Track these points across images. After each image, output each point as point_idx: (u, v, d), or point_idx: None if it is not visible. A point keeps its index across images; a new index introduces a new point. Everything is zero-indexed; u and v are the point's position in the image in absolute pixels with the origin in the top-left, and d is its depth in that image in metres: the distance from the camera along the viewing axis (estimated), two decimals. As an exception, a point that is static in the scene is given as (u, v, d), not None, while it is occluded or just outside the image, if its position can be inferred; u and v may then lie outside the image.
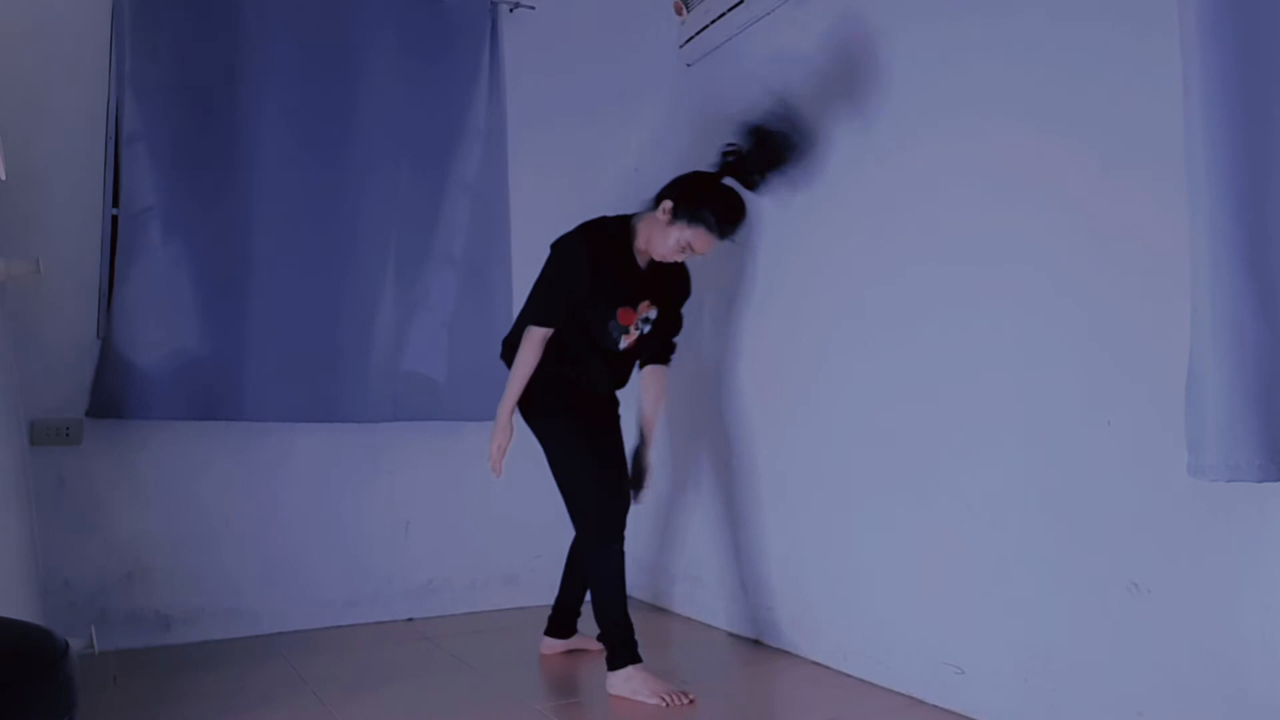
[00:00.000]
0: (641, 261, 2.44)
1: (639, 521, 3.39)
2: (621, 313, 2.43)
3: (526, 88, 3.29)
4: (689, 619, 3.05)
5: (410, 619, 3.02)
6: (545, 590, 3.19)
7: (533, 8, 3.29)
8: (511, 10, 3.26)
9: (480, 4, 3.15)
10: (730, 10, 2.96)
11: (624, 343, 2.46)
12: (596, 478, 2.37)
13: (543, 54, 3.36)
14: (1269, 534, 1.52)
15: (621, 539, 2.34)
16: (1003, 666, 1.98)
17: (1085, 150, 1.86)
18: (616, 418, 2.56)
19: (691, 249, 2.33)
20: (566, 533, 3.18)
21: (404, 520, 3.05)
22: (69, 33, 2.64)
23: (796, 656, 2.59)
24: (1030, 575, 1.93)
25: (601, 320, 2.42)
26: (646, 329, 2.49)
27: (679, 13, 3.29)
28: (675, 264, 2.49)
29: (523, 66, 3.27)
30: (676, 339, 2.62)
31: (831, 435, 2.52)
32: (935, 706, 2.13)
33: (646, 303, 2.46)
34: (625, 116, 3.52)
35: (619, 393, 2.60)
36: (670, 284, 2.52)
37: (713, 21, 3.05)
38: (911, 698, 2.20)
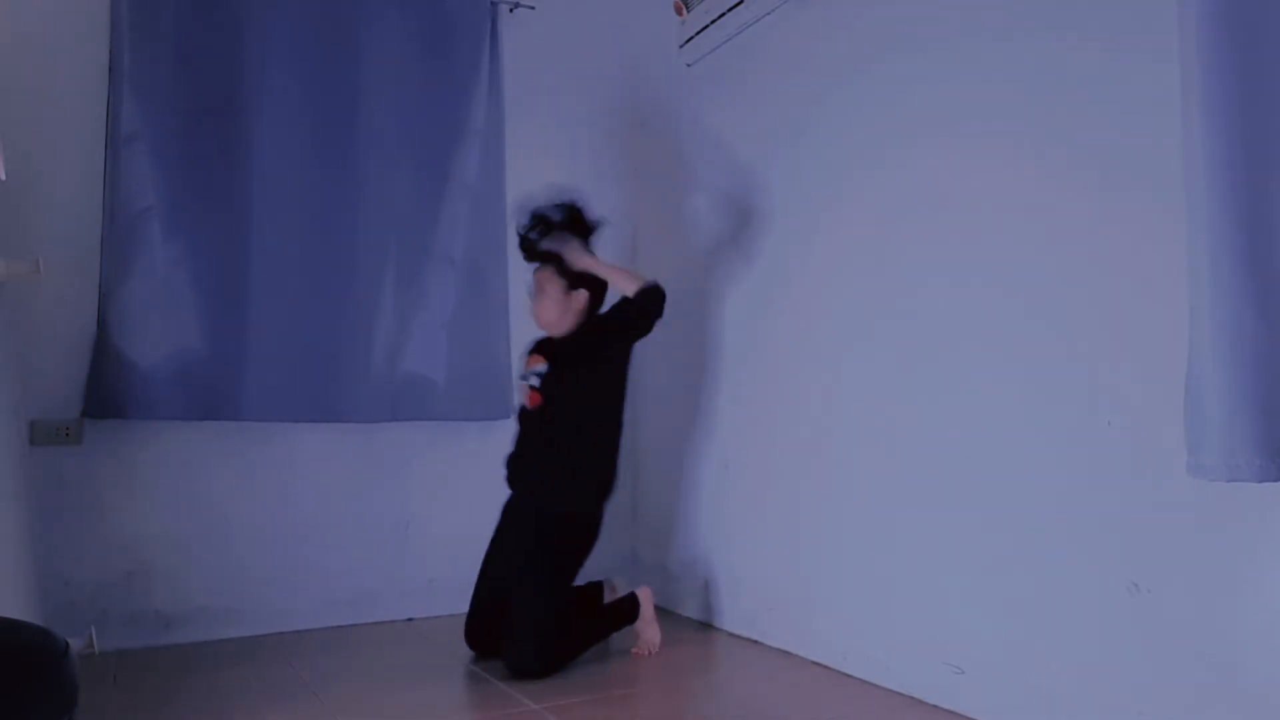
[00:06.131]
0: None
1: (641, 523, 3.40)
2: (530, 358, 2.66)
3: (526, 88, 3.29)
4: (690, 619, 3.05)
5: (410, 619, 3.02)
6: (545, 590, 3.19)
7: (533, 8, 3.29)
8: (511, 10, 3.26)
9: (480, 4, 3.15)
10: (730, 10, 2.95)
11: (520, 397, 2.63)
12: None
13: (543, 54, 3.36)
14: (1269, 534, 1.52)
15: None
16: (1003, 666, 1.98)
17: (1085, 152, 1.86)
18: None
19: (537, 290, 2.60)
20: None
21: (404, 520, 3.05)
22: (69, 33, 2.64)
23: (796, 656, 2.59)
24: (1030, 575, 1.93)
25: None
26: (535, 382, 2.60)
27: (679, 13, 3.29)
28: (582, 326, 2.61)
29: (522, 67, 3.27)
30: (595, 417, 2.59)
31: (830, 436, 2.52)
32: (935, 706, 2.13)
33: (539, 357, 2.62)
34: (625, 117, 3.52)
35: None
36: (566, 343, 2.61)
37: (713, 21, 3.05)
38: (911, 698, 2.20)
